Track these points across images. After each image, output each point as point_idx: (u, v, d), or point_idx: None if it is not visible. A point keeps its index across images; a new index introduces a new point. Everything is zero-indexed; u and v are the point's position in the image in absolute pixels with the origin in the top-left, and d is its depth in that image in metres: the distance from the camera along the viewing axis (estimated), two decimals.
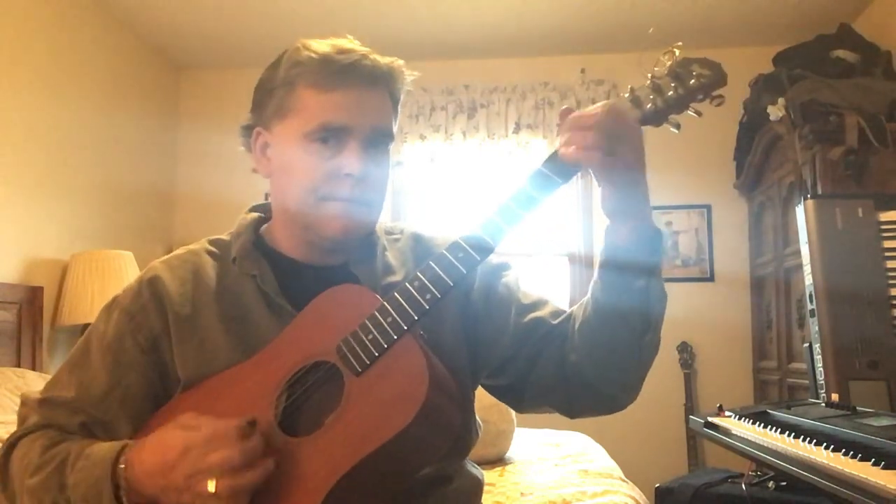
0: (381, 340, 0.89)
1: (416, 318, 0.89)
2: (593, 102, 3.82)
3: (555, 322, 1.06)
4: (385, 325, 0.90)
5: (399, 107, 1.09)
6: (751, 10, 3.50)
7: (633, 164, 0.91)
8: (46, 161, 3.14)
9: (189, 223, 4.13)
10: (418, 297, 0.90)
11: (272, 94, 1.05)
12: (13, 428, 2.02)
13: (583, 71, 3.92)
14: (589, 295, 1.00)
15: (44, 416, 1.03)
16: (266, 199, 1.21)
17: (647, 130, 0.94)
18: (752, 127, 3.43)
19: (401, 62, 1.06)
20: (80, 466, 0.93)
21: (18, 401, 2.30)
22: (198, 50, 4.04)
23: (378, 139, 1.04)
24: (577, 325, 1.02)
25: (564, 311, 1.08)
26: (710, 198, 3.89)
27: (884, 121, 2.68)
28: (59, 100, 3.23)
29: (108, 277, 3.08)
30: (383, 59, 1.04)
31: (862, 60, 3.06)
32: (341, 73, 1.00)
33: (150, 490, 0.88)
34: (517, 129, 3.90)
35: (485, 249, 0.91)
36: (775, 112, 2.87)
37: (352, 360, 0.90)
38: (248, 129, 1.11)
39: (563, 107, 0.96)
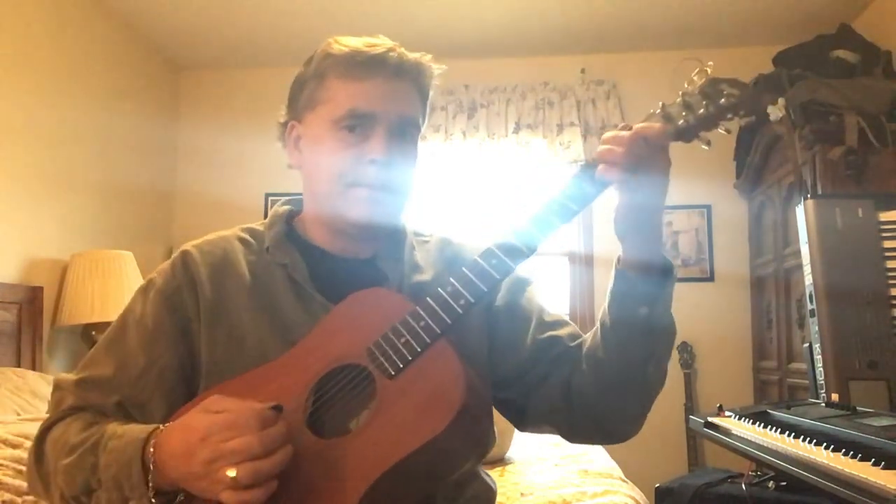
0: (415, 344, 0.90)
1: (450, 322, 0.90)
2: (593, 102, 3.88)
3: (571, 345, 1.07)
4: (418, 329, 0.90)
5: (428, 102, 1.11)
6: (751, 10, 3.50)
7: (652, 184, 0.91)
8: (46, 161, 3.14)
9: (189, 223, 4.13)
10: (452, 303, 0.91)
11: (304, 87, 1.08)
12: (12, 427, 2.02)
13: (583, 71, 3.92)
14: (598, 321, 1.02)
15: (79, 398, 1.03)
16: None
17: None
18: (752, 127, 3.43)
19: (429, 57, 1.09)
20: (111, 447, 0.93)
21: (18, 400, 2.30)
22: (198, 50, 4.03)
23: (405, 128, 1.06)
24: (585, 351, 1.03)
25: (582, 335, 1.09)
26: (710, 198, 3.89)
27: (884, 121, 2.68)
28: (60, 99, 3.23)
29: (108, 277, 3.07)
30: (411, 54, 1.07)
31: (862, 60, 3.06)
32: (369, 63, 1.03)
33: (173, 474, 0.89)
34: (517, 129, 3.90)
35: (519, 256, 0.92)
36: (775, 112, 2.87)
37: (385, 363, 0.91)
38: (283, 126, 1.14)
39: (621, 124, 0.96)
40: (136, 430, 0.94)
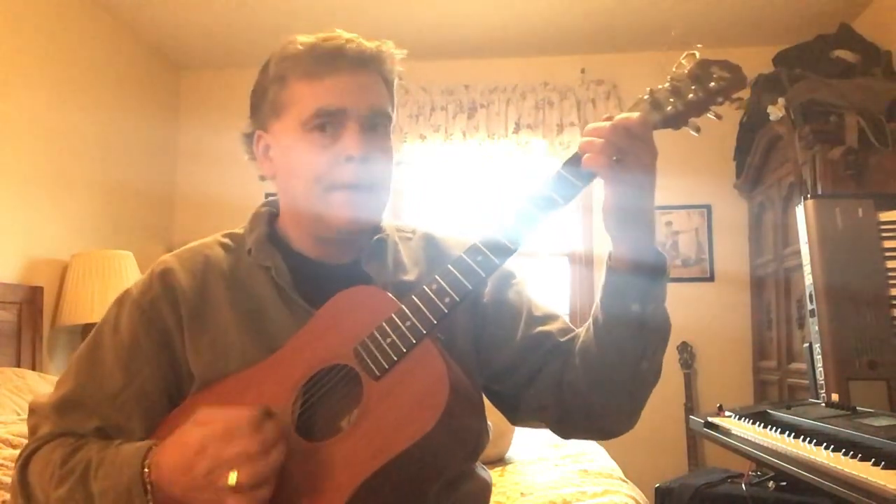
0: (401, 345, 0.88)
1: (434, 322, 0.88)
2: (593, 102, 3.88)
3: (562, 339, 1.05)
4: (404, 328, 0.88)
5: (394, 90, 1.07)
6: (751, 10, 3.50)
7: (638, 174, 0.89)
8: (47, 161, 3.14)
9: (189, 223, 4.13)
10: (437, 301, 0.89)
11: (266, 94, 1.05)
12: (13, 427, 2.02)
13: (583, 71, 3.92)
14: (591, 316, 0.99)
15: (56, 424, 1.00)
16: (266, 199, 1.20)
17: None
18: (752, 127, 3.43)
19: (389, 44, 1.05)
20: (103, 473, 0.91)
21: (18, 400, 2.30)
22: (198, 50, 4.03)
23: (376, 120, 1.02)
24: (578, 347, 1.01)
25: (573, 330, 1.07)
26: (710, 198, 3.89)
27: (884, 121, 2.68)
28: (60, 99, 3.23)
29: (108, 277, 3.08)
30: (370, 42, 1.03)
31: (862, 60, 3.06)
32: (329, 58, 0.99)
33: (175, 491, 0.87)
34: (517, 129, 3.90)
35: (505, 252, 0.90)
36: (775, 112, 2.87)
37: (370, 364, 0.89)
38: (248, 137, 1.10)
39: (605, 115, 0.93)
40: (129, 452, 0.92)
